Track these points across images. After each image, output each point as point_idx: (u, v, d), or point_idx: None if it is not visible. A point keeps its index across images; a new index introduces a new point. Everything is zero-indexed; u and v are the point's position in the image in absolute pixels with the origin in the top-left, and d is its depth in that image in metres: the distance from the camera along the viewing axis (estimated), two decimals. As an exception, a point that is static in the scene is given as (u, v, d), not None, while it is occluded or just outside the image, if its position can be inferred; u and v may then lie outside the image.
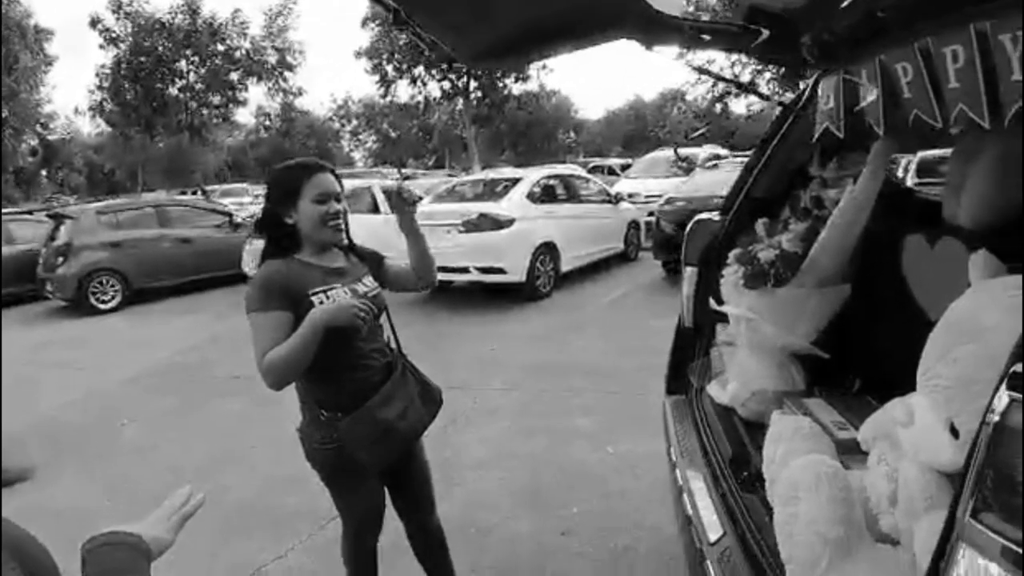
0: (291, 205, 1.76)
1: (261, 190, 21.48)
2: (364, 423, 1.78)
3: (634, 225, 10.17)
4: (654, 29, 1.95)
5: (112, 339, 7.58)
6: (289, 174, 1.80)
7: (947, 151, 3.02)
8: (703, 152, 14.44)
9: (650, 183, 12.35)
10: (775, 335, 1.90)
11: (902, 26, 1.41)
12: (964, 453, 1.01)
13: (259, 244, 1.86)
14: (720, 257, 2.32)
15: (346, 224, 1.85)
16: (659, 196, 9.94)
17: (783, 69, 17.59)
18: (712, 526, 1.53)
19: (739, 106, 31.93)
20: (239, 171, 38.71)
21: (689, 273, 2.51)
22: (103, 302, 8.93)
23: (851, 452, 1.48)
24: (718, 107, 28.48)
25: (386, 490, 2.04)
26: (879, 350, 1.99)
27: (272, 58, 31.43)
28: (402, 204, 1.91)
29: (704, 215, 2.52)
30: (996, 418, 0.71)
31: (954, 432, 1.05)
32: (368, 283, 1.88)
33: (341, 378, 1.80)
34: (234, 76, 30.98)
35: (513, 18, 1.64)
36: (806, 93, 2.09)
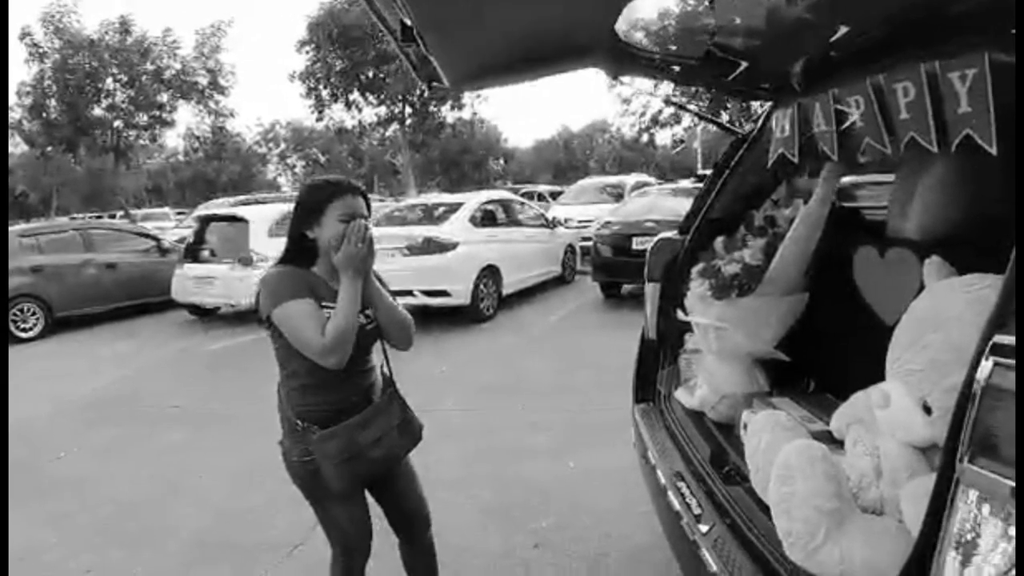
0: (315, 221, 1.80)
1: (184, 214, 20.68)
2: (336, 440, 1.79)
3: (570, 249, 10.48)
4: (623, 60, 2.12)
5: (37, 370, 7.10)
6: (319, 192, 1.83)
7: (859, 178, 3.35)
8: (631, 180, 15.05)
9: (581, 209, 12.77)
10: (744, 342, 2.07)
11: (853, 65, 1.61)
12: (936, 428, 1.18)
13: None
14: (682, 273, 2.49)
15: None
16: (590, 221, 10.31)
17: (708, 101, 18.57)
18: (702, 518, 1.65)
19: (663, 137, 33.39)
20: (159, 195, 37.17)
21: (652, 289, 2.66)
22: (24, 331, 8.37)
23: (823, 442, 1.63)
24: (645, 137, 29.63)
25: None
26: (830, 353, 2.19)
27: (203, 79, 30.59)
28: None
29: (666, 234, 2.69)
30: (982, 380, 0.87)
31: (927, 409, 1.21)
32: (369, 314, 1.91)
33: (327, 391, 1.83)
34: (163, 96, 29.95)
35: (510, 42, 1.76)
36: (759, 124, 2.30)
